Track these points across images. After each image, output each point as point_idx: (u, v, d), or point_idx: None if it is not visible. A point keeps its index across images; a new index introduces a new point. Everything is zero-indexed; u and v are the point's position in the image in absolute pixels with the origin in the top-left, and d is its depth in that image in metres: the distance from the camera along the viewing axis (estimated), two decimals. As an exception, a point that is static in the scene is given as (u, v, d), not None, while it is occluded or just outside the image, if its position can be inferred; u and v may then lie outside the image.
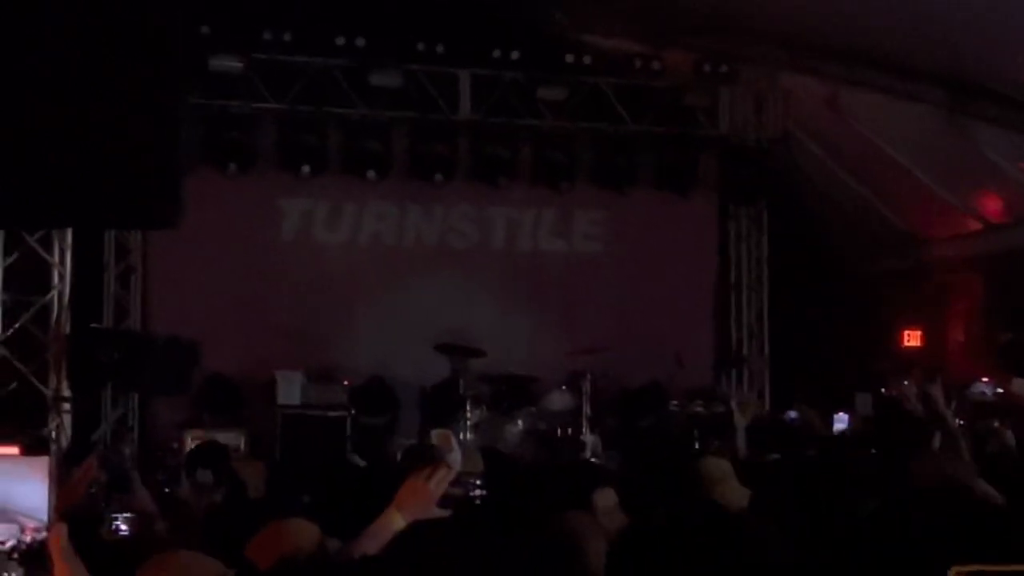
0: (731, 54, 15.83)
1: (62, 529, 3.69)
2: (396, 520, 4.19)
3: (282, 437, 14.05)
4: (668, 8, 14.75)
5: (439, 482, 4.36)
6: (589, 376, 14.60)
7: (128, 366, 13.02)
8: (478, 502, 10.57)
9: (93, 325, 13.89)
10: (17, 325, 12.41)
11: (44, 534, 3.61)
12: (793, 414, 12.40)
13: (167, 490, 6.81)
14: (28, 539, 3.61)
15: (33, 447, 3.48)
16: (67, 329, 12.73)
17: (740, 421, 8.98)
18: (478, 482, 11.95)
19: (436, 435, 11.06)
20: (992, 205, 14.98)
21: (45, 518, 3.59)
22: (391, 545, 3.64)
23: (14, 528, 3.60)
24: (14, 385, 12.27)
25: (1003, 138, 13.63)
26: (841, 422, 13.24)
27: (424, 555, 3.46)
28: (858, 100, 14.87)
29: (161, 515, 5.96)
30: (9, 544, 3.61)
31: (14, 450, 3.55)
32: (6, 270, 12.15)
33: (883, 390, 13.53)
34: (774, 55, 15.53)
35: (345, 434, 14.16)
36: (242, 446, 13.73)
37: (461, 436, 13.67)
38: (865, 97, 14.69)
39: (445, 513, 4.32)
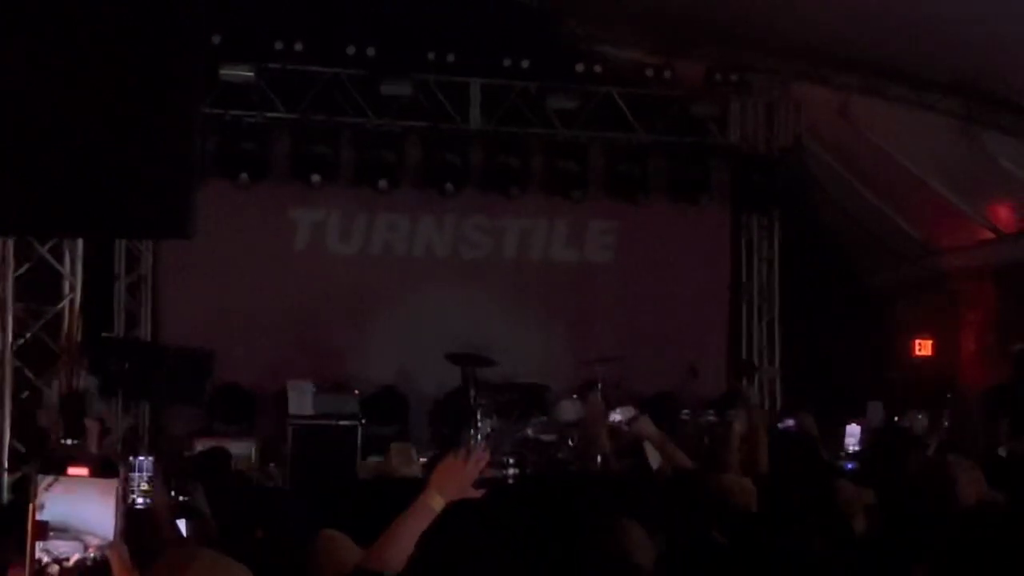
0: (742, 64, 15.82)
1: (123, 548, 3.74)
2: (436, 500, 4.21)
3: (293, 447, 14.05)
4: (679, 18, 14.74)
5: (476, 463, 4.37)
6: (600, 385, 14.56)
7: (139, 376, 13.03)
8: (511, 482, 10.64)
9: (104, 334, 13.90)
10: (28, 335, 12.42)
11: (107, 552, 3.65)
12: (790, 422, 12.26)
13: (181, 498, 6.85)
14: (91, 555, 3.64)
15: (103, 470, 3.57)
16: (78, 338, 12.73)
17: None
18: (511, 460, 12.08)
19: (395, 449, 11.16)
20: (1005, 215, 14.94)
21: (110, 536, 3.62)
22: (434, 527, 3.66)
23: (78, 545, 3.63)
24: (26, 395, 12.26)
25: (1017, 147, 13.61)
26: (853, 436, 12.74)
27: (468, 537, 3.48)
28: (870, 109, 14.85)
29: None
30: (73, 560, 3.65)
31: (84, 471, 3.61)
32: (17, 280, 12.14)
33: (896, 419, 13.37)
34: (785, 65, 15.53)
35: (356, 444, 14.14)
36: (253, 456, 13.75)
37: (472, 444, 13.69)
38: (877, 106, 14.67)
39: (478, 493, 4.33)
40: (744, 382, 16.30)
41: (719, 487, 6.02)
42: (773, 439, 8.69)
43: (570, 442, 13.69)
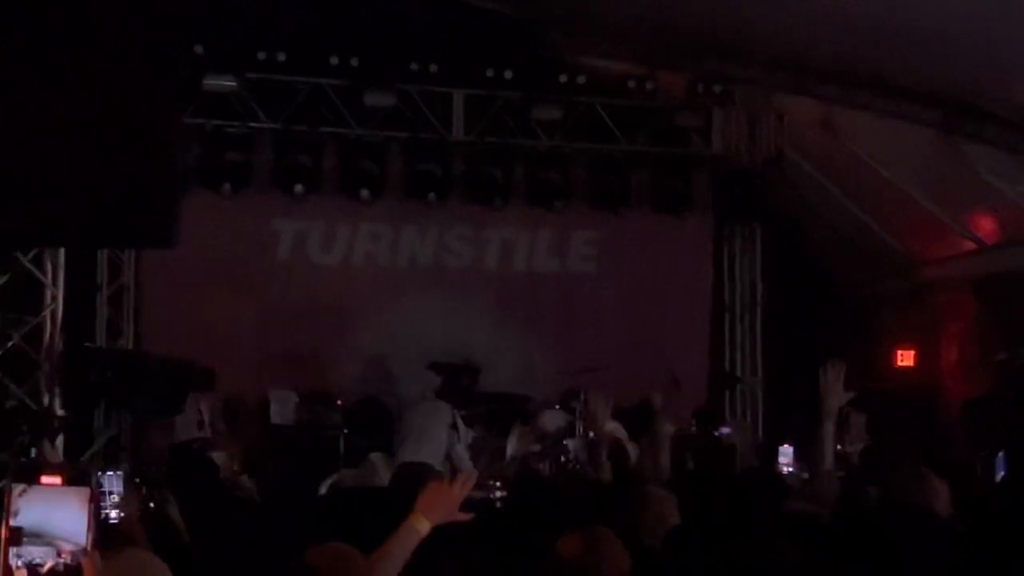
0: (725, 75, 15.83)
1: (96, 555, 3.77)
2: (422, 524, 4.20)
3: (275, 456, 14.02)
4: (662, 29, 14.75)
5: (463, 486, 4.36)
6: (583, 396, 14.55)
7: (121, 386, 12.99)
8: (499, 505, 10.62)
9: (86, 344, 13.85)
10: (10, 344, 12.38)
11: (81, 558, 3.68)
12: (726, 430, 12.25)
13: (152, 505, 6.82)
14: (64, 560, 3.68)
15: (75, 478, 3.65)
16: (60, 349, 12.69)
17: (666, 432, 8.80)
18: (498, 484, 12.05)
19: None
20: (987, 226, 14.96)
21: (83, 543, 3.66)
22: (419, 552, 3.67)
23: (51, 550, 3.69)
24: (7, 404, 12.22)
25: (999, 159, 13.63)
26: (786, 456, 12.47)
27: (453, 561, 3.50)
28: (852, 121, 14.85)
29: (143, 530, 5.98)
30: (47, 566, 3.70)
31: (57, 480, 3.68)
32: (-1, 290, 12.12)
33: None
34: (768, 76, 15.52)
35: (338, 453, 14.12)
36: (235, 465, 13.70)
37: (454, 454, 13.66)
38: (860, 118, 14.68)
39: (467, 517, 4.33)
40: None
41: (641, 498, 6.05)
42: (701, 445, 8.75)
43: (563, 458, 13.61)
